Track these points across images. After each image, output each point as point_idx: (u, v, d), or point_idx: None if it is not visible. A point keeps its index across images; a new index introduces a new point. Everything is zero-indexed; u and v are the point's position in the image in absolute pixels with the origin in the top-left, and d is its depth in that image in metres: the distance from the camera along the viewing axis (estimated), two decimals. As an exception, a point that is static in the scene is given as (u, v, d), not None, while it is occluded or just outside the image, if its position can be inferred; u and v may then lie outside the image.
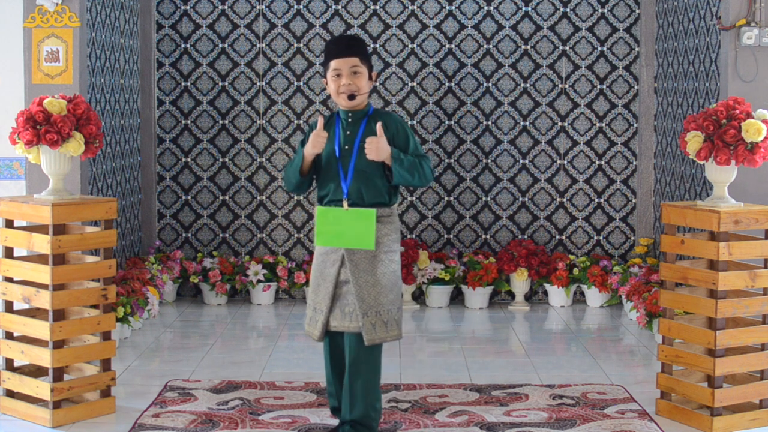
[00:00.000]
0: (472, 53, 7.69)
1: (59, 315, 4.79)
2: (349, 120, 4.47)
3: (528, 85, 7.69)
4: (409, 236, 7.70)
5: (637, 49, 7.66)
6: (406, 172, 4.35)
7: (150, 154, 7.67)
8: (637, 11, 7.66)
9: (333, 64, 4.42)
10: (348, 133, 4.45)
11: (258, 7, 7.68)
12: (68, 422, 4.78)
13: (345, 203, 4.38)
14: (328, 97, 7.68)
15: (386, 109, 7.63)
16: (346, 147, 4.43)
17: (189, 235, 7.79)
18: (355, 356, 4.41)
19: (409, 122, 7.70)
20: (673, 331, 4.93)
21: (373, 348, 4.42)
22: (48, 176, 4.88)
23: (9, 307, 4.95)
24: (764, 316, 4.89)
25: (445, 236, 7.77)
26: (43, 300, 4.73)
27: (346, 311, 4.41)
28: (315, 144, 4.39)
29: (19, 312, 4.92)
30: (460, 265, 7.49)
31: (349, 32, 7.64)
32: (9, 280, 4.91)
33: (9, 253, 4.92)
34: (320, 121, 4.40)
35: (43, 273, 4.74)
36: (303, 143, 4.49)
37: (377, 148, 4.31)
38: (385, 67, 7.68)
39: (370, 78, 4.47)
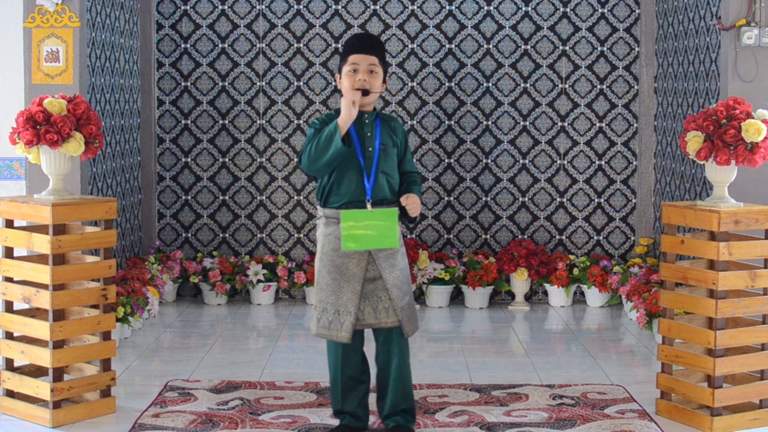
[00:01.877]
0: (472, 53, 7.69)
1: (59, 315, 4.79)
2: (366, 121, 4.48)
3: (528, 85, 7.69)
4: (409, 236, 7.70)
5: (637, 49, 7.66)
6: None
7: (150, 154, 7.67)
8: (637, 11, 7.66)
9: (352, 58, 4.42)
10: (368, 134, 4.46)
11: (258, 7, 7.68)
12: (68, 422, 4.78)
13: (369, 204, 4.40)
14: (328, 97, 7.68)
15: (386, 109, 7.64)
16: (369, 149, 4.45)
17: (189, 235, 7.79)
18: (399, 349, 4.51)
19: (409, 122, 7.70)
20: (673, 331, 4.93)
21: (407, 339, 4.55)
22: (48, 176, 4.88)
23: (9, 307, 4.95)
24: (764, 316, 4.89)
25: (445, 236, 7.77)
26: (43, 300, 4.73)
27: (379, 308, 4.44)
28: (351, 107, 4.32)
29: (19, 312, 4.92)
30: (460, 265, 7.49)
31: (349, 32, 7.64)
32: (9, 280, 4.91)
33: (9, 253, 4.92)
34: (356, 95, 4.36)
35: (43, 273, 4.74)
36: (318, 128, 4.43)
37: (418, 205, 4.48)
38: (385, 67, 7.67)
39: (384, 81, 4.50)
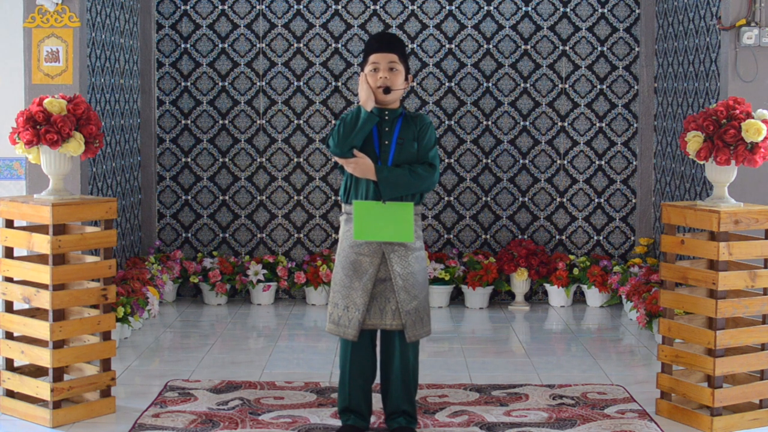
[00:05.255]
0: (472, 53, 7.69)
1: (59, 315, 4.79)
2: (386, 118, 4.53)
3: (528, 85, 7.69)
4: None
5: (637, 49, 7.66)
6: (393, 181, 4.40)
7: (150, 154, 7.67)
8: (637, 11, 7.66)
9: (372, 57, 4.49)
10: (387, 129, 4.51)
11: (258, 7, 7.68)
12: (68, 422, 4.78)
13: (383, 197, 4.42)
14: (328, 97, 7.68)
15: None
16: (386, 142, 4.49)
17: (189, 235, 7.79)
18: (401, 351, 4.50)
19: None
20: (673, 331, 4.93)
21: (416, 342, 4.54)
22: (48, 176, 4.88)
23: (9, 307, 4.95)
24: (764, 316, 4.89)
25: (445, 236, 7.76)
26: (43, 300, 4.73)
27: (386, 309, 4.44)
28: (363, 84, 4.44)
29: (19, 312, 4.92)
30: (460, 265, 7.49)
31: (349, 32, 7.65)
32: (9, 280, 4.91)
33: (9, 253, 4.92)
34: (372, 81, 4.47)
35: (43, 273, 4.74)
36: (344, 118, 4.47)
37: (360, 165, 4.39)
38: (385, 67, 7.67)
39: (405, 79, 4.55)
